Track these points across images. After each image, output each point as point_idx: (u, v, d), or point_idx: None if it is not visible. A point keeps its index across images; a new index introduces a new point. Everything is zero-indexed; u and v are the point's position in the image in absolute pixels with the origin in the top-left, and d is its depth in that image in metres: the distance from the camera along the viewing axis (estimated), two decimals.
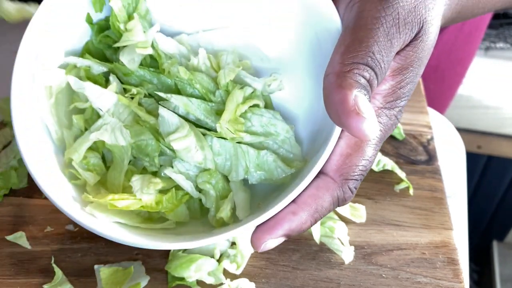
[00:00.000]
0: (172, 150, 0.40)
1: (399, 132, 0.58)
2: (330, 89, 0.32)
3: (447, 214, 0.49)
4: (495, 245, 1.40)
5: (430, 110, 0.63)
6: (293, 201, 0.35)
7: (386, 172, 0.53)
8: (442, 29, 0.78)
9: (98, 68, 0.42)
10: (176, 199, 0.40)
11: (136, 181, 0.39)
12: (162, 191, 0.40)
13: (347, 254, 0.45)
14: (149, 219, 0.41)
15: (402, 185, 0.52)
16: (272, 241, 0.35)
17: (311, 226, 0.36)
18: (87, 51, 0.44)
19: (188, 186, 0.40)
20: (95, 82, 0.41)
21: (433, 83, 0.85)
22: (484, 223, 1.42)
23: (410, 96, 0.37)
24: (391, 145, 0.57)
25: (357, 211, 0.49)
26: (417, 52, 0.35)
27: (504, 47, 1.12)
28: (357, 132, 0.31)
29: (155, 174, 0.41)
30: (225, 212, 0.39)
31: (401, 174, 0.52)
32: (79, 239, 0.47)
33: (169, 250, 0.46)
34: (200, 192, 0.41)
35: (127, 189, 0.40)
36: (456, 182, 0.59)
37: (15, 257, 0.45)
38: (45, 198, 0.36)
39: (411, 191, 0.51)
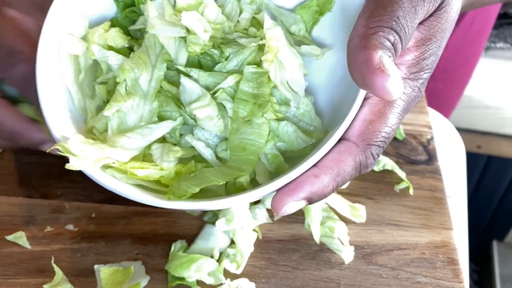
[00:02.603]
0: (194, 119, 0.40)
1: (399, 132, 0.58)
2: (354, 51, 0.32)
3: (447, 214, 0.49)
4: (495, 245, 1.40)
5: (430, 110, 0.63)
6: (315, 165, 0.35)
7: (386, 172, 0.53)
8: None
9: (122, 42, 0.42)
10: (196, 170, 0.39)
11: (156, 149, 0.39)
12: (182, 162, 0.39)
13: (347, 254, 0.45)
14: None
15: (402, 185, 0.52)
16: (293, 204, 0.35)
17: (333, 191, 0.36)
18: (112, 27, 0.44)
19: (208, 153, 0.40)
20: (119, 52, 0.42)
21: (442, 83, 0.85)
22: (484, 223, 1.41)
23: (433, 69, 0.37)
24: (391, 145, 0.57)
25: (357, 211, 0.49)
26: (440, 22, 0.36)
27: (504, 47, 1.12)
28: (382, 90, 0.30)
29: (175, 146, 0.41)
30: (244, 178, 0.38)
31: (401, 174, 0.52)
32: (79, 239, 0.47)
33: (169, 250, 0.46)
34: (220, 161, 0.40)
35: (147, 157, 0.40)
36: (456, 182, 0.59)
37: (15, 257, 0.45)
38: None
39: (411, 191, 0.51)
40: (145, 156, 0.40)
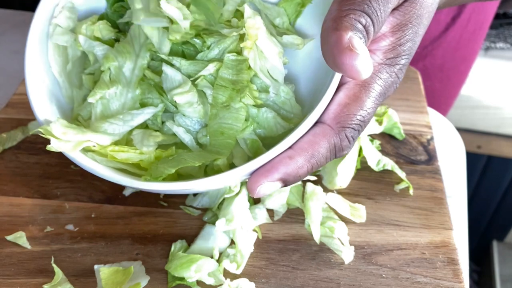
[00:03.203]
0: (175, 106, 0.41)
1: (399, 132, 0.58)
2: (326, 33, 0.33)
3: (447, 214, 0.49)
4: (495, 245, 1.40)
5: (430, 110, 0.63)
6: (290, 147, 0.36)
7: (386, 172, 0.53)
8: (447, 28, 0.79)
9: (108, 34, 0.44)
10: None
11: (137, 134, 0.40)
12: (163, 147, 0.40)
13: (347, 254, 0.45)
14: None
15: (402, 185, 0.52)
16: (268, 185, 0.35)
17: (308, 172, 0.36)
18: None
19: (187, 138, 0.41)
20: (105, 44, 0.43)
21: (438, 82, 0.85)
22: (484, 223, 1.41)
23: (411, 56, 0.38)
24: (391, 145, 0.57)
25: (357, 211, 0.49)
26: (415, 8, 0.36)
27: (504, 47, 1.12)
28: (351, 69, 0.31)
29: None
30: (221, 161, 0.39)
31: (401, 174, 0.52)
32: (79, 239, 0.47)
33: (169, 250, 0.46)
34: (200, 147, 0.41)
35: (129, 143, 0.41)
36: (456, 182, 0.59)
37: (15, 257, 0.45)
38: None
39: (411, 191, 0.51)
40: (127, 142, 0.41)
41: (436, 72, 0.84)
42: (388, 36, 0.37)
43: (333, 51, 0.32)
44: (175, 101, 0.40)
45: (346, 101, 0.36)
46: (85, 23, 0.43)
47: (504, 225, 1.39)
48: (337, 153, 0.37)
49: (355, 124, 0.36)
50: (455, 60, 0.84)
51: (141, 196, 0.51)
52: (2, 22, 0.48)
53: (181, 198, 0.51)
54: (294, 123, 0.40)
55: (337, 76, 0.36)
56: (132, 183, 0.36)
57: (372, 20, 0.33)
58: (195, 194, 0.50)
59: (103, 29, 0.43)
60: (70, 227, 0.48)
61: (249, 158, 0.39)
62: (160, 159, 0.39)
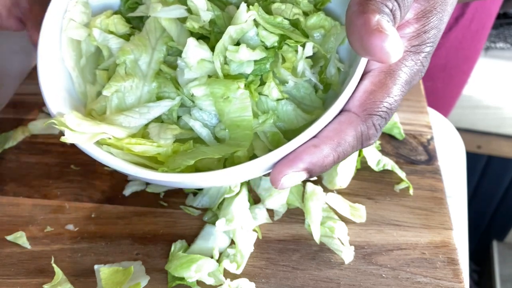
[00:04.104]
0: (192, 100, 0.40)
1: (399, 132, 0.58)
2: (352, 17, 0.31)
3: (447, 214, 0.49)
4: (495, 245, 1.40)
5: (430, 110, 0.63)
6: (315, 136, 0.34)
7: (386, 172, 0.53)
8: (451, 28, 0.79)
9: (123, 28, 0.43)
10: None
11: (153, 127, 0.39)
12: (180, 142, 0.39)
13: (347, 254, 0.45)
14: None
15: (402, 185, 0.52)
16: (292, 175, 0.34)
17: (335, 162, 0.35)
18: None
19: (205, 133, 0.40)
20: (120, 37, 0.42)
21: (441, 82, 0.85)
22: (484, 223, 1.41)
23: (436, 44, 0.37)
24: (391, 145, 0.57)
25: (357, 211, 0.49)
26: None
27: (504, 47, 1.12)
28: (380, 51, 0.30)
29: None
30: (242, 153, 0.38)
31: (401, 174, 0.52)
32: (79, 239, 0.47)
33: (169, 250, 0.46)
34: (218, 141, 0.40)
35: (145, 137, 0.40)
36: (456, 182, 0.59)
37: (15, 257, 0.46)
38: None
39: (411, 191, 0.51)
40: (143, 135, 0.40)
41: (439, 72, 0.84)
42: (412, 23, 0.36)
43: (360, 34, 0.30)
44: (192, 95, 0.39)
45: (372, 88, 0.35)
46: (99, 17, 0.42)
47: (504, 225, 1.39)
48: (364, 142, 0.35)
49: (382, 111, 0.35)
50: (457, 60, 0.84)
51: (141, 196, 0.51)
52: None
53: (181, 198, 0.51)
54: (315, 114, 0.39)
55: (362, 63, 0.34)
56: (149, 175, 0.35)
57: (398, 4, 0.32)
58: (195, 194, 0.50)
59: (117, 23, 0.43)
60: (70, 227, 0.48)
61: (270, 151, 0.38)
62: (177, 152, 0.38)
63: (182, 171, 0.36)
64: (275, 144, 0.39)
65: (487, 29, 0.83)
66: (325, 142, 0.34)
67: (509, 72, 1.11)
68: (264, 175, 0.45)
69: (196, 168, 0.38)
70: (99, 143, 0.37)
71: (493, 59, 1.11)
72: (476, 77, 1.08)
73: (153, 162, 0.38)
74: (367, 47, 0.30)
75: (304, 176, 0.34)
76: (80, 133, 0.36)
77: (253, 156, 0.38)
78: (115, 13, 0.44)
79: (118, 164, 0.36)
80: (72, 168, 0.54)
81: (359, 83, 0.35)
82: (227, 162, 0.39)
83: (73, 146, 0.55)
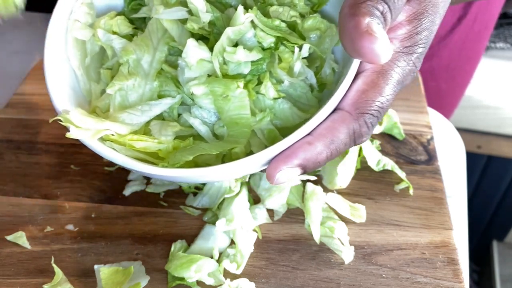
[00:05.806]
0: (191, 99, 0.41)
1: (399, 132, 0.58)
2: (344, 20, 0.32)
3: (447, 214, 0.49)
4: (495, 245, 1.40)
5: (430, 110, 0.63)
6: (309, 134, 0.35)
7: (386, 172, 0.53)
8: (453, 28, 0.79)
9: (126, 29, 0.44)
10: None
11: (155, 125, 0.40)
12: (180, 139, 0.40)
13: (347, 254, 0.45)
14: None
15: (402, 185, 0.52)
16: (287, 171, 0.35)
17: (328, 159, 0.36)
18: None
19: (204, 130, 0.41)
20: (123, 38, 0.44)
21: (444, 82, 0.85)
22: (484, 223, 1.41)
23: (428, 45, 0.38)
24: (391, 145, 0.57)
25: (357, 211, 0.49)
26: None
27: (504, 47, 1.12)
28: (370, 53, 0.31)
29: None
30: (239, 149, 0.39)
31: (401, 174, 0.52)
32: (79, 239, 0.47)
33: (169, 250, 0.46)
34: (217, 138, 0.41)
35: (147, 134, 0.41)
36: (456, 182, 0.59)
37: (15, 257, 0.46)
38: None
39: (411, 191, 0.51)
40: (145, 132, 0.41)
41: (442, 73, 0.84)
42: (404, 24, 0.37)
43: (351, 36, 0.32)
44: (192, 93, 0.40)
45: (364, 88, 0.36)
46: (103, 18, 0.44)
47: (504, 225, 1.39)
48: (356, 140, 0.37)
49: (374, 110, 0.36)
50: (460, 60, 0.84)
51: (141, 196, 0.51)
52: (2, 22, 0.48)
53: (181, 198, 0.51)
54: (311, 112, 0.40)
55: (355, 63, 0.36)
56: (149, 170, 0.37)
57: (389, 6, 0.33)
58: (195, 194, 0.50)
59: (121, 24, 0.44)
60: (70, 227, 0.48)
61: (267, 147, 0.39)
62: (178, 149, 0.39)
63: (182, 167, 0.37)
64: (271, 141, 0.40)
65: (489, 29, 0.83)
66: (319, 139, 0.35)
67: (509, 72, 1.11)
68: (262, 172, 0.46)
69: (195, 164, 0.39)
70: (103, 139, 0.39)
71: (493, 59, 1.11)
72: (477, 77, 1.08)
73: (154, 158, 0.39)
74: (358, 49, 0.31)
75: (298, 171, 0.36)
76: (85, 130, 0.38)
77: (250, 153, 0.40)
78: (119, 14, 0.45)
79: (120, 159, 0.37)
80: (72, 168, 0.54)
81: (352, 82, 0.37)
82: (225, 158, 0.40)
83: (73, 146, 0.55)
